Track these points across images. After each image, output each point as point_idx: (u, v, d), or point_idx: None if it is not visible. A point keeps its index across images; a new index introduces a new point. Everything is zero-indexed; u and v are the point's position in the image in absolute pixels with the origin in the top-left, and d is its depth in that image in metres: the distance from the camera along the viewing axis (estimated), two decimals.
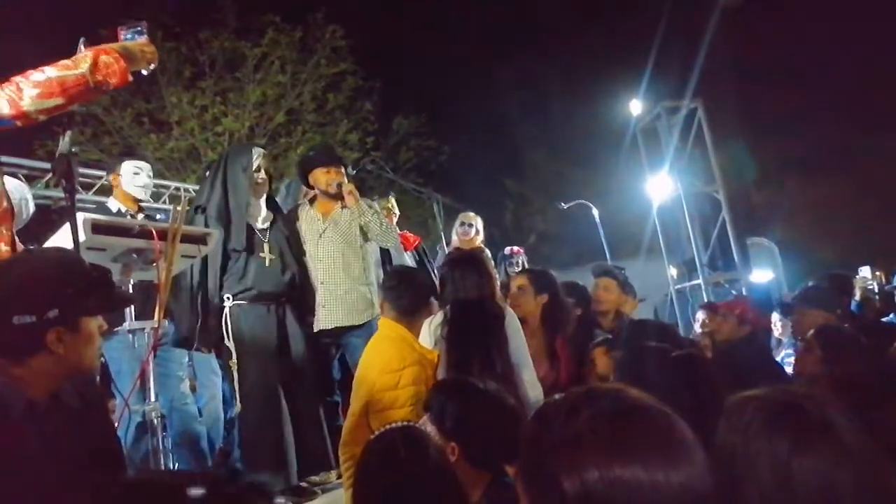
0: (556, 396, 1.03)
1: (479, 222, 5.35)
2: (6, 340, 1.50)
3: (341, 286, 3.67)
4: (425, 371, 2.66)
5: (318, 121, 13.67)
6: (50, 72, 2.10)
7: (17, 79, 2.10)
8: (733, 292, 7.62)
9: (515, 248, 5.92)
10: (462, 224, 5.28)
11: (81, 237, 2.02)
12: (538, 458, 0.94)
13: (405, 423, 1.76)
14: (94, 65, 2.13)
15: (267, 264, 3.42)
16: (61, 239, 2.16)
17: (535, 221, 18.26)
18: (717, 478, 1.12)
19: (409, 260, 4.74)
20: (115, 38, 2.34)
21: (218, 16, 12.65)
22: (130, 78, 2.24)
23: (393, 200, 5.09)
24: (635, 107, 8.90)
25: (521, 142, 17.83)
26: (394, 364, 2.64)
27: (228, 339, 3.19)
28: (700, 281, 7.96)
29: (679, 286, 8.44)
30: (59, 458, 1.52)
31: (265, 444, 3.22)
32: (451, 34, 15.71)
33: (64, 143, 1.99)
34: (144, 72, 2.35)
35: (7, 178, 2.96)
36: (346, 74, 13.57)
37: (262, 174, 3.53)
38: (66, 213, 2.02)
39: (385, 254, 4.40)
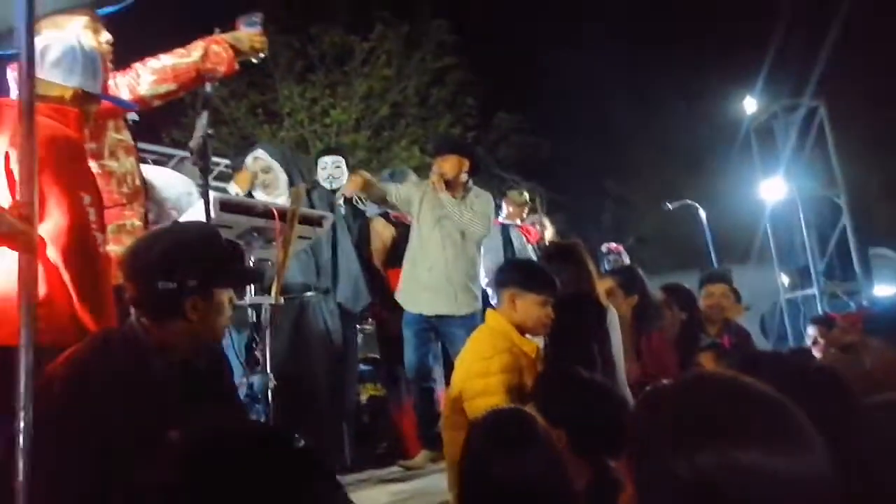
0: (666, 381, 1.01)
1: (547, 222, 5.30)
2: (150, 303, 1.63)
3: (448, 273, 3.73)
4: (518, 361, 2.65)
5: (421, 115, 13.89)
6: (165, 59, 2.27)
7: (137, 65, 2.28)
8: (852, 305, 7.13)
9: (613, 245, 5.79)
10: (533, 224, 5.24)
11: (211, 214, 2.15)
12: (649, 441, 0.92)
13: (515, 406, 1.77)
14: (205, 54, 2.28)
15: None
16: (193, 215, 2.31)
17: (635, 222, 17.80)
18: (848, 477, 1.06)
19: (531, 254, 4.79)
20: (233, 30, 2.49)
21: (329, 11, 13.09)
22: (237, 66, 2.37)
23: (526, 193, 5.14)
24: (749, 105, 8.49)
25: (624, 140, 17.39)
26: (486, 352, 2.65)
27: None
28: (814, 291, 7.50)
29: (790, 295, 7.98)
30: (193, 415, 1.63)
31: None
32: (556, 29, 15.53)
33: (200, 124, 2.13)
34: (254, 60, 2.48)
35: (174, 174, 3.20)
36: (451, 69, 13.71)
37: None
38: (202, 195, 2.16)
39: (508, 248, 4.48)
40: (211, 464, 0.86)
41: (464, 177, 3.87)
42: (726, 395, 0.89)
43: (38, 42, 1.84)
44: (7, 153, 1.68)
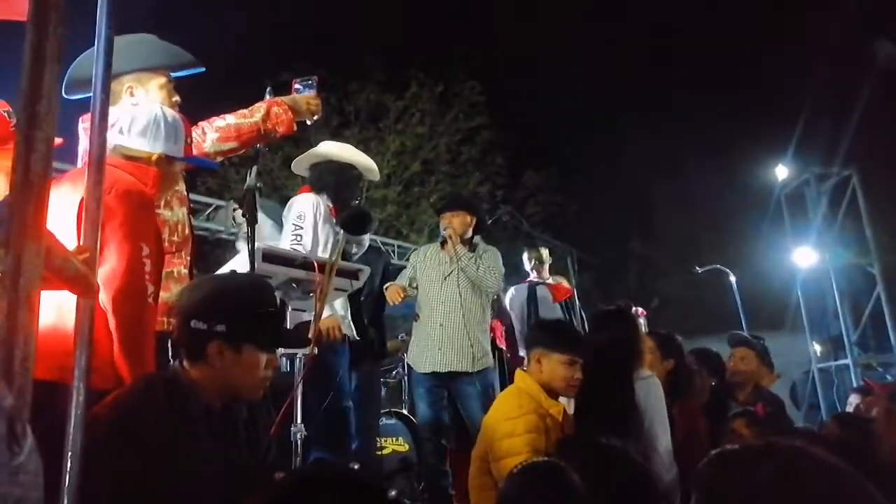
0: (730, 447, 1.01)
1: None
2: (184, 342, 1.67)
3: (459, 330, 3.72)
4: (543, 421, 2.65)
5: (451, 172, 14.13)
6: (230, 119, 2.40)
7: (203, 124, 2.41)
8: (888, 377, 6.94)
9: (639, 310, 5.79)
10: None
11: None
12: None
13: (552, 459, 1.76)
14: (267, 114, 2.41)
15: None
16: (236, 265, 2.37)
17: (660, 284, 17.65)
18: None
19: (557, 311, 4.78)
20: (287, 90, 2.61)
21: (365, 70, 13.51)
22: (295, 127, 2.49)
23: (544, 251, 5.18)
24: (781, 172, 8.49)
25: (652, 201, 17.44)
26: (511, 412, 2.66)
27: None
28: (848, 361, 7.32)
29: (823, 365, 7.80)
30: (227, 460, 1.64)
31: None
32: (588, 92, 15.80)
33: (251, 178, 2.21)
34: (308, 122, 2.59)
35: None
36: (482, 128, 13.97)
37: None
38: (235, 244, 2.23)
39: (532, 304, 4.50)
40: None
41: (469, 233, 3.93)
42: (798, 466, 0.90)
43: (128, 112, 1.97)
44: (82, 200, 1.77)
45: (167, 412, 1.61)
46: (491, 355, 3.85)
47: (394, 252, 8.91)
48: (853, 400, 4.27)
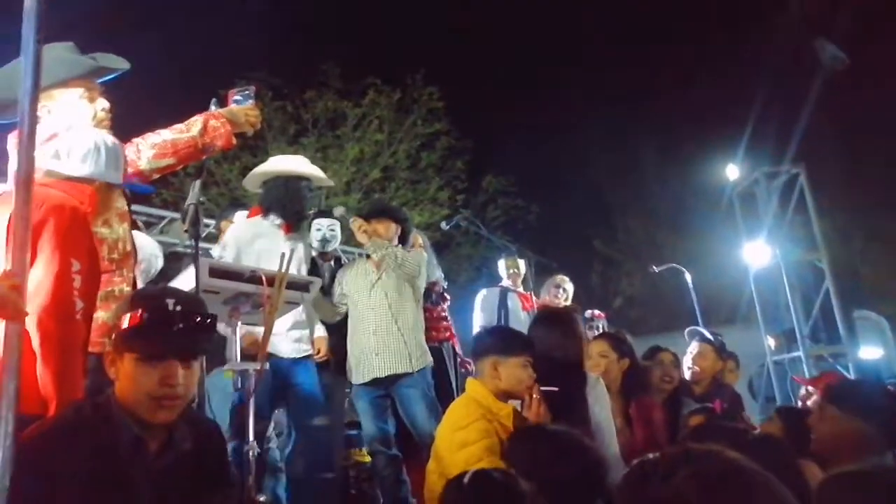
0: (652, 455, 1.03)
1: (570, 287, 5.46)
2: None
3: (393, 334, 3.70)
4: (492, 424, 2.67)
5: (411, 178, 14.11)
6: (165, 134, 2.34)
7: (138, 140, 2.35)
8: (838, 367, 7.13)
9: (597, 312, 5.92)
10: (557, 286, 5.40)
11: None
12: None
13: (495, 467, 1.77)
14: (204, 128, 2.36)
15: None
16: (184, 281, 2.33)
17: (622, 284, 17.91)
18: None
19: (524, 320, 4.85)
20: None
21: (323, 78, 13.43)
22: (234, 140, 2.45)
23: (521, 262, 5.28)
24: (732, 171, 8.67)
25: (611, 203, 17.69)
26: (461, 421, 2.67)
27: None
28: (801, 353, 7.51)
29: (777, 357, 7.99)
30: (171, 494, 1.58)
31: None
32: (544, 94, 15.97)
33: (193, 192, 2.18)
34: (248, 133, 2.56)
35: (144, 236, 3.25)
36: (441, 134, 13.99)
37: None
38: (191, 258, 2.19)
39: (502, 309, 4.59)
40: None
41: (395, 241, 3.92)
42: (712, 471, 0.92)
43: (65, 139, 1.92)
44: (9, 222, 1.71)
45: (92, 444, 1.53)
46: (429, 353, 3.84)
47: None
48: (803, 392, 4.40)
